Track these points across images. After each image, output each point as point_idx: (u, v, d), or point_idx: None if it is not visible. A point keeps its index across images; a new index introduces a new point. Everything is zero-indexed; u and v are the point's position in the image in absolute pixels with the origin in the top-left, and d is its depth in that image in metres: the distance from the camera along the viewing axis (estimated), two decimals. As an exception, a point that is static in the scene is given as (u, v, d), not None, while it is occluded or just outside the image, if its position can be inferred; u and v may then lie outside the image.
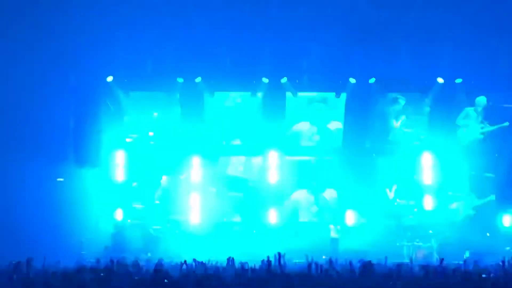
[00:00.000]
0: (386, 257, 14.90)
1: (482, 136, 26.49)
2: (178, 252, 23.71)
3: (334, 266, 13.02)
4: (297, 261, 19.52)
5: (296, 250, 23.23)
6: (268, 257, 13.33)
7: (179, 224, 26.25)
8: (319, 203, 26.91)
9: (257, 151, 26.95)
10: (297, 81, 26.17)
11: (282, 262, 14.17)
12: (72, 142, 24.99)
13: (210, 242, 25.80)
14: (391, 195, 26.85)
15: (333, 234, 24.94)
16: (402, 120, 26.64)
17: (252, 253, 23.53)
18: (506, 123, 26.21)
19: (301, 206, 26.92)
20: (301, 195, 26.98)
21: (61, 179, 25.35)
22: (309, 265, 12.78)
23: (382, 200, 26.83)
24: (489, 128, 26.39)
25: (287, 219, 26.65)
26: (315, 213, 26.91)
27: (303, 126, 26.96)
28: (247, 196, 26.91)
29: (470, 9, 22.94)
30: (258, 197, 26.81)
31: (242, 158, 27.26)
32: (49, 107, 24.41)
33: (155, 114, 26.73)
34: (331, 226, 25.10)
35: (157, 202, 26.43)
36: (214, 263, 15.09)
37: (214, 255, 23.28)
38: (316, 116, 26.86)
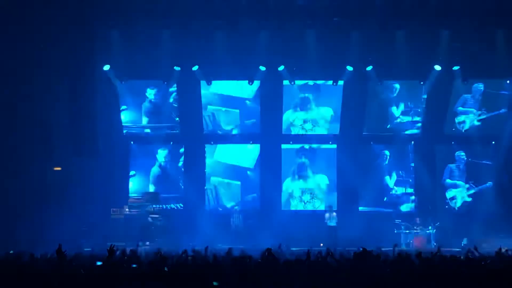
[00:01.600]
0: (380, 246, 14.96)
1: (479, 123, 26.53)
2: (177, 240, 23.80)
3: (332, 254, 13.01)
4: (295, 249, 19.64)
5: (294, 238, 23.44)
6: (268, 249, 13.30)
7: (177, 212, 26.37)
8: (315, 191, 26.96)
9: (255, 139, 27.00)
10: (294, 69, 26.14)
11: (280, 250, 14.20)
12: (70, 131, 24.92)
13: (209, 230, 25.93)
14: (389, 183, 26.91)
15: (330, 223, 24.94)
16: (400, 108, 26.63)
17: (252, 241, 23.69)
18: (503, 110, 26.26)
19: (297, 194, 26.97)
20: (296, 183, 27.02)
21: (59, 168, 25.35)
22: (308, 252, 12.80)
23: (379, 188, 26.90)
24: (486, 114, 26.43)
25: (284, 207, 26.77)
26: (310, 201, 26.94)
27: (301, 114, 26.91)
28: (244, 183, 26.95)
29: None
30: (256, 184, 26.94)
31: (239, 146, 27.22)
32: (46, 96, 24.35)
33: (151, 102, 26.66)
34: (327, 215, 25.11)
35: (153, 190, 26.48)
36: (213, 251, 15.09)
37: (213, 243, 23.68)
38: (313, 103, 26.79)
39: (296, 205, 26.95)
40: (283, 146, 27.19)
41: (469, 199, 26.61)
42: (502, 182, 26.54)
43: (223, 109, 26.85)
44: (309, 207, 26.92)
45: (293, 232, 24.81)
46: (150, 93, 26.57)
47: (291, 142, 27.13)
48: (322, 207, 26.58)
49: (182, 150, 27.13)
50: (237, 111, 26.85)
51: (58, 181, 24.88)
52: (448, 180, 26.80)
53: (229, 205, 26.92)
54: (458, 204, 26.70)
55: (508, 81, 26.18)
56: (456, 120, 26.57)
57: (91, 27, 24.38)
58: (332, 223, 24.96)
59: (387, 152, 27.05)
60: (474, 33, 24.68)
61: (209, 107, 26.76)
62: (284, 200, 26.94)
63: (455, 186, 26.72)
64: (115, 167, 26.43)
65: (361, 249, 12.17)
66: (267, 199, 26.69)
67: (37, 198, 23.71)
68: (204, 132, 26.86)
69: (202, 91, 26.51)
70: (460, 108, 26.50)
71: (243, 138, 27.05)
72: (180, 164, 27.14)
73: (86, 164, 25.03)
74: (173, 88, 26.51)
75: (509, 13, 23.87)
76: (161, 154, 26.99)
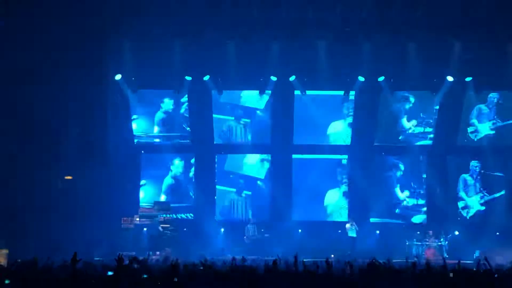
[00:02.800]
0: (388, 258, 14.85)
1: (493, 132, 26.39)
2: (188, 250, 23.75)
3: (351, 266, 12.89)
4: (306, 259, 19.51)
5: (311, 248, 23.38)
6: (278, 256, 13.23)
7: (187, 222, 26.31)
8: (331, 203, 26.86)
9: (266, 149, 26.95)
10: (305, 79, 26.11)
11: (287, 262, 14.12)
12: (81, 140, 24.94)
13: (219, 240, 25.88)
14: (401, 194, 26.79)
15: (351, 233, 24.87)
16: (412, 118, 26.52)
17: (262, 252, 23.63)
18: (518, 120, 26.17)
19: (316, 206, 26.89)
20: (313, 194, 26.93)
21: (70, 177, 25.36)
22: (316, 264, 12.76)
23: (391, 199, 26.78)
24: (499, 123, 26.31)
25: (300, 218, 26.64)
26: (328, 213, 26.86)
27: (312, 125, 26.82)
28: (256, 194, 26.88)
29: (480, 7, 22.80)
30: (267, 195, 26.86)
31: (250, 156, 27.17)
32: (58, 106, 24.38)
33: (166, 112, 26.67)
34: (348, 226, 24.99)
35: (163, 197, 26.45)
36: (223, 261, 15.03)
37: (223, 253, 23.64)
38: (326, 114, 26.72)
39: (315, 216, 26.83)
40: (294, 156, 27.10)
41: (483, 208, 26.45)
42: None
43: (234, 119, 26.82)
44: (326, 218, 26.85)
45: (305, 243, 24.75)
46: (165, 103, 26.54)
47: (302, 153, 26.99)
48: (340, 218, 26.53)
49: (193, 160, 27.08)
50: (248, 121, 26.82)
51: (69, 190, 24.90)
52: (462, 191, 26.66)
53: (239, 215, 26.83)
54: (471, 213, 26.54)
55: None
56: (469, 130, 26.44)
57: (103, 37, 24.43)
58: (353, 233, 24.85)
59: (398, 163, 26.93)
60: (486, 44, 24.56)
61: (220, 117, 26.73)
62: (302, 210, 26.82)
63: (469, 196, 26.57)
64: (126, 177, 26.40)
65: (371, 260, 12.10)
66: (277, 209, 26.58)
67: (48, 207, 23.69)
68: (214, 142, 26.82)
69: (213, 101, 26.49)
70: (474, 119, 26.37)
71: (254, 148, 27.00)
72: (191, 174, 27.09)
73: (97, 174, 24.99)
74: (185, 98, 26.48)
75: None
76: (178, 165, 26.92)
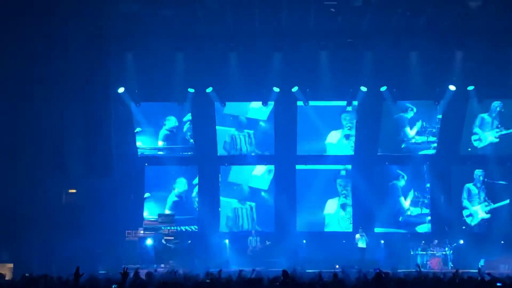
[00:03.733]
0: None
1: (497, 140, 26.37)
2: (192, 262, 23.74)
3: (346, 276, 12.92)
4: (310, 270, 19.53)
5: (316, 259, 23.39)
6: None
7: (191, 234, 26.28)
8: (329, 213, 26.84)
9: (269, 160, 26.95)
10: (308, 90, 26.14)
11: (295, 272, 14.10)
12: (85, 153, 24.95)
13: (224, 252, 25.85)
14: (405, 203, 26.75)
15: (360, 244, 24.83)
16: (415, 128, 26.52)
17: (267, 263, 23.62)
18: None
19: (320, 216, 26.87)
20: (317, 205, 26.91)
21: (74, 191, 25.38)
22: (319, 275, 12.76)
23: (395, 208, 26.74)
24: (504, 131, 26.29)
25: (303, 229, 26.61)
26: (326, 223, 26.84)
27: (315, 136, 26.85)
28: (260, 205, 26.86)
29: (481, 16, 22.81)
30: (271, 206, 26.83)
31: (254, 167, 27.18)
32: (62, 119, 24.41)
33: (170, 127, 26.70)
34: (358, 236, 24.94)
35: (167, 212, 26.45)
36: (227, 273, 15.03)
37: (228, 265, 23.62)
38: (328, 125, 26.74)
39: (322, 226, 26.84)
40: (298, 166, 27.11)
41: (488, 216, 26.40)
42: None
43: (237, 130, 26.84)
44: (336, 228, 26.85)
45: (309, 253, 24.78)
46: (171, 121, 26.56)
47: (306, 164, 26.99)
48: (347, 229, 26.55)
49: (195, 181, 27.00)
50: (251, 132, 26.85)
51: (73, 203, 24.91)
52: (466, 200, 26.62)
53: (243, 226, 26.80)
54: (475, 222, 26.48)
55: (523, 101, 26.04)
56: (473, 138, 26.43)
57: (106, 50, 24.52)
58: (363, 244, 24.80)
59: (402, 173, 26.90)
60: (488, 53, 24.58)
61: (223, 128, 26.76)
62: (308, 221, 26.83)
63: (473, 205, 26.53)
64: (130, 189, 26.43)
65: (377, 270, 12.09)
66: (282, 220, 26.54)
67: (52, 220, 23.67)
68: (218, 153, 26.84)
69: (216, 113, 26.53)
70: (477, 128, 26.37)
71: (258, 159, 27.00)
72: (194, 194, 27.02)
73: (101, 186, 25.00)
74: (188, 116, 26.47)
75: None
76: (182, 184, 26.91)
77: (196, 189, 26.96)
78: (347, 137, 26.70)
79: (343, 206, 26.83)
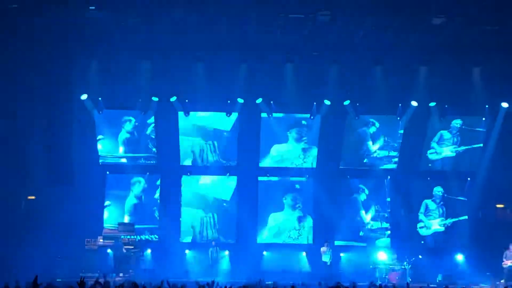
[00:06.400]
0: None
1: (453, 154, 26.68)
2: (152, 272, 23.60)
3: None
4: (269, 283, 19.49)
5: (271, 272, 23.36)
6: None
7: (151, 244, 26.13)
8: (299, 226, 26.87)
9: (232, 171, 26.92)
10: (271, 102, 26.21)
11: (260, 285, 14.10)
12: (45, 160, 24.67)
13: (184, 262, 25.75)
14: (366, 217, 26.91)
15: (324, 258, 24.83)
16: (378, 143, 26.72)
17: (227, 275, 23.57)
18: (480, 144, 26.43)
19: (282, 228, 26.88)
20: (279, 217, 26.93)
21: (33, 197, 25.07)
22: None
23: (355, 222, 26.88)
24: (462, 148, 26.61)
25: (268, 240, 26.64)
26: (297, 235, 26.89)
27: (278, 148, 26.93)
28: (222, 216, 26.80)
29: (444, 34, 23.10)
30: (232, 217, 26.80)
31: (216, 178, 27.12)
32: (23, 124, 24.15)
33: (128, 132, 26.53)
34: (323, 249, 24.93)
35: (127, 218, 26.26)
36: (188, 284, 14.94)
37: (188, 275, 23.51)
38: (291, 137, 26.84)
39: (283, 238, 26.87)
40: (260, 178, 27.15)
41: (442, 229, 26.69)
42: (477, 218, 26.67)
43: (201, 140, 26.79)
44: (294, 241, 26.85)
45: (269, 266, 24.79)
46: (127, 123, 26.43)
47: (268, 175, 27.08)
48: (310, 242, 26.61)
49: (158, 182, 26.92)
50: (215, 142, 26.81)
51: (32, 211, 24.60)
52: (423, 214, 26.88)
53: (204, 237, 26.70)
54: (428, 233, 26.73)
55: (484, 119, 26.38)
56: (429, 152, 26.73)
57: (70, 57, 24.33)
58: (327, 258, 24.80)
59: (363, 186, 27.08)
60: (451, 70, 24.92)
61: (186, 138, 26.67)
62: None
63: (430, 219, 26.81)
64: (91, 197, 26.11)
65: (337, 283, 12.14)
66: (243, 231, 26.53)
67: (11, 228, 23.35)
68: (181, 163, 26.74)
69: (180, 122, 26.44)
70: (434, 143, 26.67)
71: (220, 169, 26.95)
72: (157, 195, 26.93)
73: (61, 194, 24.73)
74: (151, 119, 26.39)
75: (485, 52, 24.15)
76: (137, 187, 26.78)
77: (157, 195, 26.77)
78: (304, 150, 26.82)
79: (299, 219, 26.91)
